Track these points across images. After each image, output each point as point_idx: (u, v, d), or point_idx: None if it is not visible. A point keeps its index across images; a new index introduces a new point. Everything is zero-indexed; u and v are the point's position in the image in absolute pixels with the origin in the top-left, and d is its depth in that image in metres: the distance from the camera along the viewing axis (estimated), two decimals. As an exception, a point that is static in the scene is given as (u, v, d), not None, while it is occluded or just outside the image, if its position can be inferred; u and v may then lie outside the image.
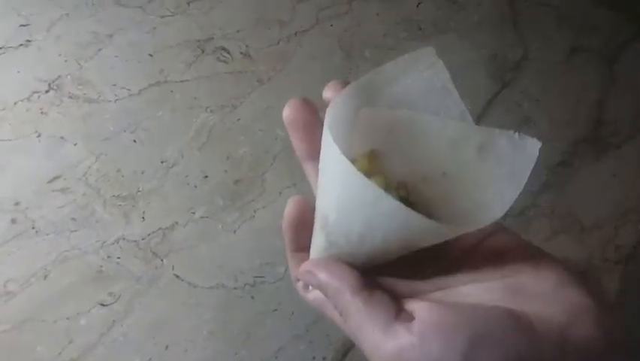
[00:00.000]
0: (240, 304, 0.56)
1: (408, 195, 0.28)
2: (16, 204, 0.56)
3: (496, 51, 0.72)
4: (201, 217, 0.59)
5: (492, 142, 0.28)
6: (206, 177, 0.61)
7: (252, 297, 0.57)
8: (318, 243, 0.28)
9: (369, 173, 0.27)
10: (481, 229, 0.25)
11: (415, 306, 0.23)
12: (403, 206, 0.23)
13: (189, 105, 0.64)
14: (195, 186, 0.61)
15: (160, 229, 0.58)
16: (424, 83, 0.28)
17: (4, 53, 0.62)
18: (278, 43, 0.68)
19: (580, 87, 0.76)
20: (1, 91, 0.60)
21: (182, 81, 0.65)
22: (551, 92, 0.73)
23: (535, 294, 0.23)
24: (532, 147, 0.27)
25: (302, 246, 0.30)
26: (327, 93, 0.29)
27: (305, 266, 0.27)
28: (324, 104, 0.28)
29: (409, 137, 0.28)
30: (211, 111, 0.64)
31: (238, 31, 0.69)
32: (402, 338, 0.22)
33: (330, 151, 0.25)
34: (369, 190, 0.24)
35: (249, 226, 0.60)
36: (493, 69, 0.71)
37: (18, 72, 0.61)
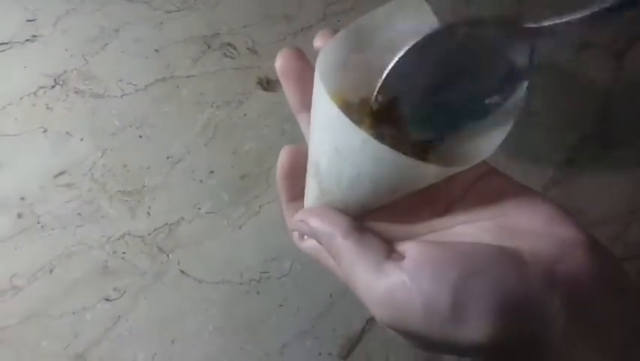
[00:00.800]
0: (246, 300, 0.56)
1: (397, 132, 0.28)
2: (22, 199, 0.56)
3: (504, 47, 0.72)
4: (207, 213, 0.59)
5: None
6: (212, 172, 0.61)
7: (258, 292, 0.56)
8: (310, 192, 0.29)
9: (358, 119, 0.27)
10: (472, 169, 0.25)
11: (407, 246, 0.23)
12: (389, 149, 0.23)
13: (195, 101, 0.64)
14: (201, 182, 0.61)
15: (166, 224, 0.58)
16: (412, 27, 0.28)
17: (10, 48, 0.62)
18: (284, 38, 0.67)
19: (588, 83, 0.75)
20: (7, 86, 0.60)
21: (188, 77, 0.65)
22: (559, 88, 0.73)
23: (527, 231, 0.23)
24: (520, 86, 0.27)
25: (296, 195, 0.30)
26: (318, 42, 0.29)
27: (298, 215, 0.27)
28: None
29: None
30: (217, 107, 0.64)
31: (244, 27, 0.69)
32: (393, 276, 0.22)
33: (321, 99, 0.25)
34: (357, 135, 0.24)
35: (254, 222, 0.59)
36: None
37: (24, 67, 0.61)
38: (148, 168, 0.60)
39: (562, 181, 0.68)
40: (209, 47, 0.67)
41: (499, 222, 0.24)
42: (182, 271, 0.56)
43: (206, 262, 0.57)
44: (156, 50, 0.66)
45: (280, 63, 0.30)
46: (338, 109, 0.24)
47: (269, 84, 0.66)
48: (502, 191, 0.25)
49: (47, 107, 0.60)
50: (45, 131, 0.59)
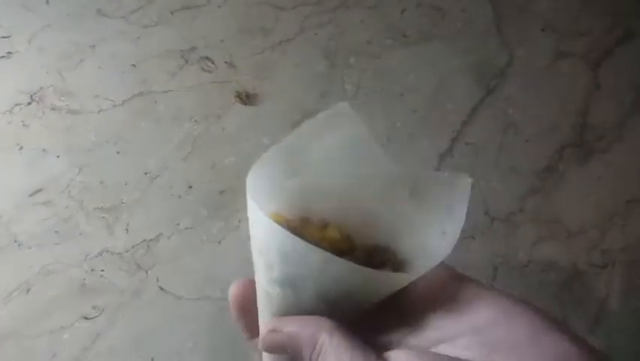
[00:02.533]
0: (226, 316, 0.56)
1: (353, 247, 0.27)
2: (-2, 217, 0.56)
3: (481, 57, 0.72)
4: (186, 228, 0.59)
5: (422, 183, 0.28)
6: (190, 187, 0.61)
7: (238, 308, 0.56)
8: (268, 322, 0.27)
9: (302, 235, 0.26)
10: (435, 276, 0.24)
11: (392, 353, 0.22)
12: (334, 257, 0.23)
13: (173, 115, 0.64)
14: (179, 197, 0.60)
15: (144, 240, 0.58)
16: (343, 141, 0.28)
17: (-15, 65, 0.61)
18: (262, 52, 0.67)
19: (565, 92, 0.76)
20: (-18, 103, 0.59)
21: (165, 91, 0.65)
22: (537, 98, 0.73)
23: (512, 346, 0.22)
24: (464, 181, 0.27)
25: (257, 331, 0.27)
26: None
27: (270, 325, 0.25)
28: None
29: (338, 199, 0.28)
30: (195, 121, 0.64)
31: (222, 41, 0.69)
32: None
33: (257, 218, 0.25)
34: (317, 255, 0.23)
35: (233, 236, 0.59)
36: (478, 75, 0.71)
37: (-1, 84, 0.60)
38: (125, 184, 0.60)
39: (540, 190, 0.68)
40: (186, 62, 0.67)
41: (481, 340, 0.22)
42: (162, 288, 0.56)
43: (186, 278, 0.57)
44: (133, 65, 0.65)
45: (233, 291, 0.28)
46: (276, 224, 0.23)
47: (248, 98, 0.66)
48: (476, 299, 0.24)
49: (23, 125, 0.60)
50: (21, 148, 0.59)
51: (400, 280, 0.24)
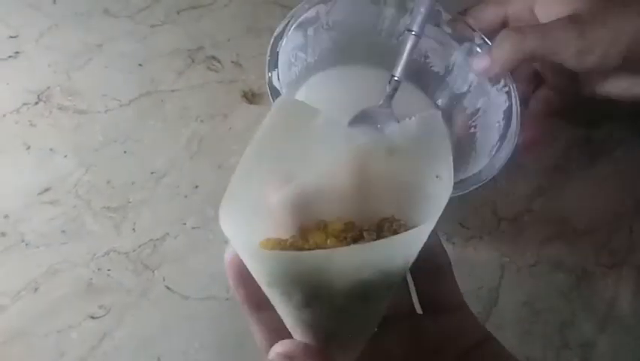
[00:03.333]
0: (232, 315, 0.56)
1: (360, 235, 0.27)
2: (6, 217, 0.56)
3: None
4: (192, 228, 0.59)
5: (395, 138, 0.27)
6: (197, 187, 0.61)
7: (244, 308, 0.56)
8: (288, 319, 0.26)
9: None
10: (466, 336, 0.23)
11: None
12: (344, 248, 0.22)
13: (180, 115, 0.64)
14: (186, 197, 0.60)
15: (151, 240, 0.58)
16: (303, 132, 0.28)
17: (-8, 64, 0.62)
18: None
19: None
20: (-11, 103, 0.59)
21: (172, 91, 0.65)
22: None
23: None
24: (434, 117, 0.26)
25: (261, 303, 0.26)
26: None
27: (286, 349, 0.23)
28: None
29: (327, 191, 0.27)
30: (202, 121, 0.64)
31: (228, 40, 0.69)
32: None
33: (248, 255, 0.24)
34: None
35: (240, 236, 0.59)
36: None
37: (7, 84, 0.61)
38: (132, 183, 0.60)
39: (548, 190, 0.68)
40: (193, 61, 0.67)
41: None
42: (168, 288, 0.56)
43: (192, 278, 0.57)
44: (140, 65, 0.66)
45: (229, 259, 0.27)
46: (296, 253, 0.22)
47: (254, 97, 0.66)
48: None
49: (31, 124, 0.60)
50: (28, 148, 0.59)
51: (418, 234, 0.23)
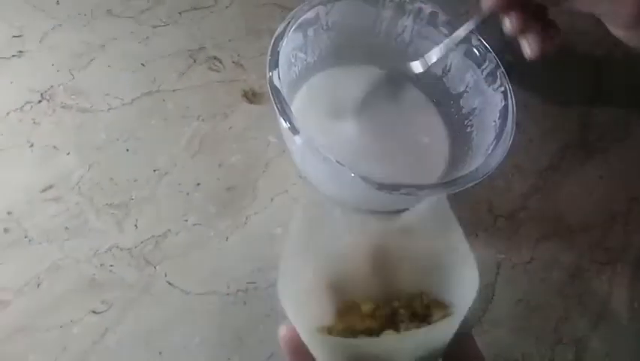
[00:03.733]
0: (233, 311, 0.57)
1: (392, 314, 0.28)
2: (9, 213, 0.56)
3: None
4: (194, 225, 0.60)
5: (409, 221, 0.29)
6: (198, 184, 0.62)
7: (245, 303, 0.57)
8: None
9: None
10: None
11: None
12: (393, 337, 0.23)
13: (181, 114, 0.65)
14: (188, 194, 0.61)
15: (153, 236, 0.59)
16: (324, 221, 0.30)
17: (-3, 64, 0.62)
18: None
19: (567, 92, 0.77)
20: (-7, 101, 0.60)
21: (174, 90, 0.66)
22: (539, 98, 0.74)
23: None
24: (440, 201, 0.28)
25: None
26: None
27: None
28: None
29: (353, 272, 0.29)
30: (203, 120, 0.65)
31: (230, 41, 0.70)
32: None
33: (310, 343, 0.25)
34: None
35: (241, 233, 0.60)
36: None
37: (11, 83, 0.61)
38: (135, 181, 0.60)
39: (543, 188, 0.69)
40: (194, 61, 0.68)
41: None
42: (169, 283, 0.57)
43: (193, 274, 0.58)
44: (142, 65, 0.66)
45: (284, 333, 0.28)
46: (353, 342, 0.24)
47: (254, 97, 0.67)
48: None
49: (34, 122, 0.61)
50: (32, 145, 0.60)
51: (451, 323, 0.25)
